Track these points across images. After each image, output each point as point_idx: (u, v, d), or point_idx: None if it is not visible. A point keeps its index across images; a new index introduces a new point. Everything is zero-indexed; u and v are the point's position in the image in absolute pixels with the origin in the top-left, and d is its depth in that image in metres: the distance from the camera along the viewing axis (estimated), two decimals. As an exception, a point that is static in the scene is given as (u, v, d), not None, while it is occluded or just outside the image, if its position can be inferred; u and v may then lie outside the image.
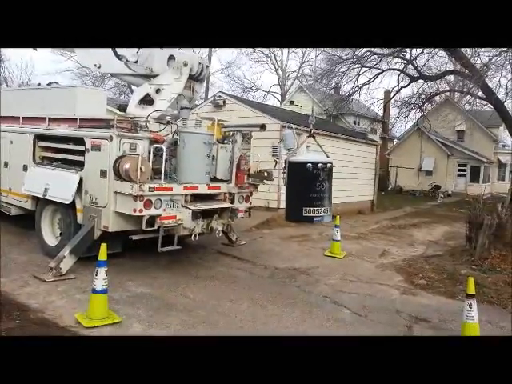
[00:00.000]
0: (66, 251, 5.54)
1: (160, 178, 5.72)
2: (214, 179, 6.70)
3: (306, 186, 5.06)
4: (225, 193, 6.61)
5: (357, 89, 18.24)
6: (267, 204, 11.05)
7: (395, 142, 34.87)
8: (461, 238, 11.88)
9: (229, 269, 6.68)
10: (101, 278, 4.11)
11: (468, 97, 25.73)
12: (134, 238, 5.81)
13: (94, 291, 4.11)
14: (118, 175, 5.42)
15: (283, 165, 5.45)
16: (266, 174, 6.91)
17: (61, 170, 6.33)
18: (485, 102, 21.34)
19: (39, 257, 6.37)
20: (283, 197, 11.80)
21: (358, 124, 30.65)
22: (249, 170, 6.84)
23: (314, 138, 5.48)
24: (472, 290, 4.51)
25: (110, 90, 32.72)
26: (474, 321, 4.46)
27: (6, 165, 7.50)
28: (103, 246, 4.17)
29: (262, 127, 6.42)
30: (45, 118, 6.71)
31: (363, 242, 9.95)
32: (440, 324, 5.09)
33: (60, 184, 6.12)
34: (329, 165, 5.12)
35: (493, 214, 8.57)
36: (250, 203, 7.11)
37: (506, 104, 17.10)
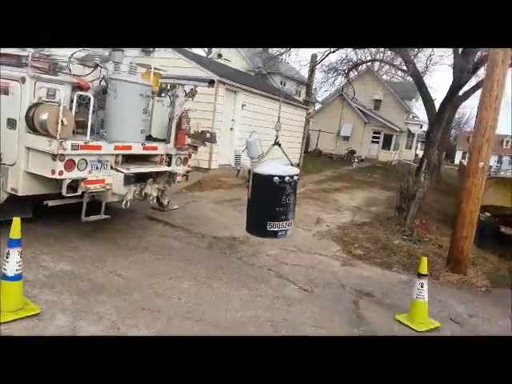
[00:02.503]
0: (-40, 218, 4.45)
1: (83, 134, 4.79)
2: (149, 137, 5.87)
3: (272, 200, 4.57)
4: (161, 154, 5.83)
5: (287, 49, 17.73)
6: (197, 164, 10.33)
7: (317, 106, 35.42)
8: (380, 204, 12.49)
9: (162, 238, 6.03)
10: (14, 262, 3.25)
11: (387, 67, 26.68)
12: (50, 203, 4.88)
13: (5, 277, 3.25)
14: (33, 127, 4.39)
15: (247, 176, 4.85)
16: (208, 136, 6.25)
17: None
18: (402, 75, 22.34)
19: None
20: (215, 157, 11.24)
21: (285, 85, 30.34)
22: (189, 129, 6.10)
23: (279, 146, 4.94)
24: (425, 269, 4.49)
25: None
26: (424, 299, 4.47)
27: None
28: (16, 222, 3.27)
29: (211, 83, 5.66)
30: None
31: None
32: (383, 298, 5.08)
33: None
34: (295, 177, 4.67)
35: (415, 182, 8.91)
36: (189, 166, 6.45)
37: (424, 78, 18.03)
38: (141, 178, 5.46)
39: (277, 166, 4.75)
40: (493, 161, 56.15)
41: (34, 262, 4.50)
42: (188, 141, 6.13)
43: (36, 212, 5.38)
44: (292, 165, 4.96)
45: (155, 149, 5.71)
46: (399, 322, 4.47)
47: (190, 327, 3.66)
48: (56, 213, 5.42)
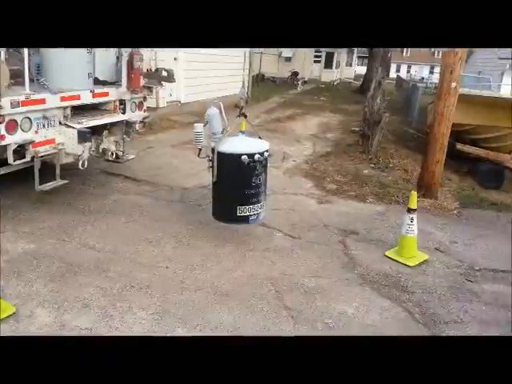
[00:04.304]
0: None
1: (19, 85, 3.97)
2: (95, 81, 5.04)
3: (241, 182, 4.05)
4: (114, 101, 5.07)
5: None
6: (144, 103, 9.41)
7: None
8: (335, 130, 12.41)
9: (127, 196, 5.47)
10: (-26, 259, 2.69)
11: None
12: (-5, 174, 4.12)
13: (-35, 279, 2.69)
14: (-47, 84, 3.50)
15: (210, 155, 4.20)
16: (164, 74, 5.49)
17: None
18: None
19: None
20: (162, 93, 10.26)
21: None
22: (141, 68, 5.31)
23: (245, 117, 4.29)
24: (414, 204, 4.42)
25: None
26: (413, 234, 4.46)
27: None
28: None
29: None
30: None
31: (255, 142, 9.42)
32: (367, 235, 5.03)
33: None
34: (266, 153, 4.11)
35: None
36: (145, 111, 5.74)
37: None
38: (95, 131, 4.76)
39: (243, 141, 4.22)
40: (426, 72, 57.43)
41: (-12, 244, 3.87)
42: (142, 82, 5.36)
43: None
44: (260, 138, 4.43)
45: (106, 95, 4.94)
46: (390, 258, 4.47)
47: (188, 300, 3.36)
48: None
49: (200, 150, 4.40)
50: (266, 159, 4.18)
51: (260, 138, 4.47)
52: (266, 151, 4.18)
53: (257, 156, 4.02)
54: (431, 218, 5.67)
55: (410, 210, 4.41)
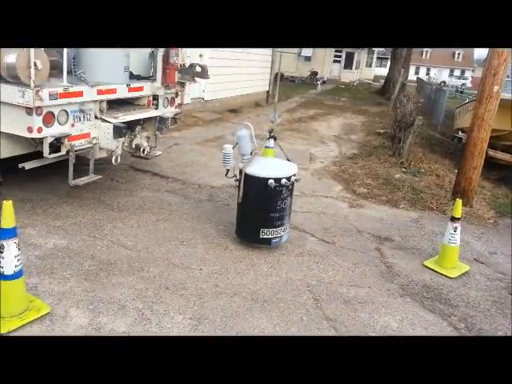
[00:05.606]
0: None
1: (55, 77, 3.88)
2: (130, 75, 4.95)
3: (266, 205, 3.99)
4: (148, 96, 4.96)
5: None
6: (169, 99, 9.32)
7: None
8: (359, 132, 12.19)
9: (156, 193, 5.37)
10: (11, 256, 2.58)
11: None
12: (28, 166, 4.06)
13: (3, 277, 2.59)
14: (-7, 74, 3.43)
15: (237, 175, 4.14)
16: (198, 70, 5.37)
17: None
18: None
19: None
20: (186, 89, 10.18)
21: None
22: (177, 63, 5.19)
23: (275, 139, 4.19)
24: (459, 213, 4.23)
25: None
26: (456, 244, 4.27)
27: None
28: (7, 206, 2.54)
29: None
30: None
31: (280, 142, 9.24)
32: (403, 242, 4.87)
33: None
34: (293, 178, 4.04)
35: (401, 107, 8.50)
36: (176, 107, 5.62)
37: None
38: (128, 127, 4.66)
39: (272, 163, 4.11)
40: (446, 75, 56.45)
41: (21, 240, 3.77)
42: (177, 77, 5.25)
43: (6, 175, 4.53)
44: (289, 160, 4.30)
45: (141, 89, 4.83)
46: (429, 268, 4.28)
47: (226, 305, 3.23)
48: (25, 171, 4.55)
49: (228, 170, 4.31)
50: (292, 184, 4.07)
51: (288, 160, 4.35)
52: (294, 175, 4.07)
53: (283, 181, 3.93)
54: (468, 227, 5.46)
55: (453, 219, 4.22)
